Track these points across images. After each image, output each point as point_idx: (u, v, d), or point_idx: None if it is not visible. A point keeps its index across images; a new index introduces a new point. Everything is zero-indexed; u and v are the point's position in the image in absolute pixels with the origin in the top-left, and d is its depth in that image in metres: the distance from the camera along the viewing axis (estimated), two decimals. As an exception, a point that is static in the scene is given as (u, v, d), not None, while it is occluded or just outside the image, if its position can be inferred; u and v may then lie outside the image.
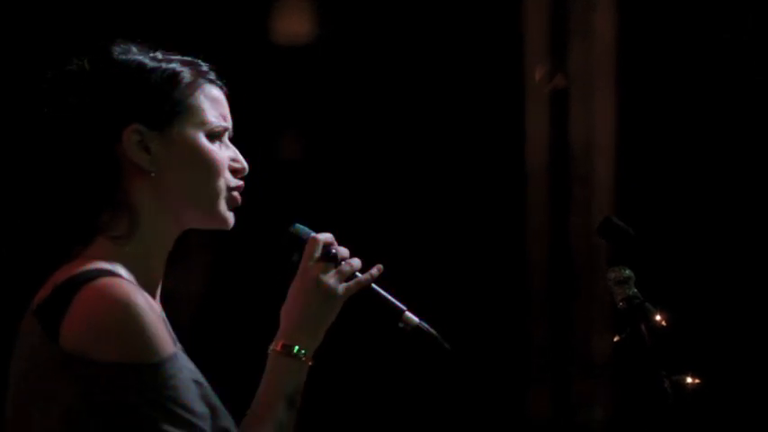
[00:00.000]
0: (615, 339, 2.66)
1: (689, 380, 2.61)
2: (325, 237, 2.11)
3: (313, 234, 2.11)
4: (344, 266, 2.09)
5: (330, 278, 2.08)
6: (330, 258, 2.08)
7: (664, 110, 4.06)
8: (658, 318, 2.61)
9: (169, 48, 2.13)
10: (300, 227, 2.14)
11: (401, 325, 2.12)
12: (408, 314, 2.12)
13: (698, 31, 4.03)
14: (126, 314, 1.85)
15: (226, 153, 2.07)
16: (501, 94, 4.09)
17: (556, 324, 4.15)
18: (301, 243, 2.10)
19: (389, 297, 2.13)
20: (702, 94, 4.03)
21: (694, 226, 4.02)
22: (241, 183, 2.09)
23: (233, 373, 2.89)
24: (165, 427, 1.84)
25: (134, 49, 2.03)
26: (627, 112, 4.07)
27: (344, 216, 4.06)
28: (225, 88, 2.11)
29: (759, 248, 4.00)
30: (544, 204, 4.12)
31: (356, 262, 2.11)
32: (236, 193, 2.08)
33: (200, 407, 1.89)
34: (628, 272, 2.64)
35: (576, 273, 4.11)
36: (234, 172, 2.08)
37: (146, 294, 1.93)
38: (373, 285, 2.12)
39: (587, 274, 4.08)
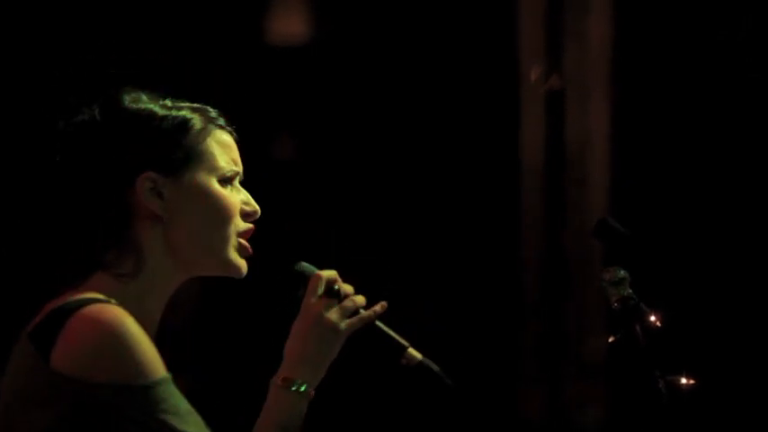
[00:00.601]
0: (610, 340, 2.66)
1: (683, 380, 2.61)
2: (329, 274, 2.12)
3: (317, 271, 2.12)
4: (347, 303, 2.10)
5: (333, 314, 2.09)
6: (333, 295, 2.09)
7: (659, 111, 4.06)
8: (653, 318, 2.62)
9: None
10: (305, 264, 2.14)
11: (404, 362, 2.13)
12: (411, 351, 2.13)
13: (693, 32, 4.04)
14: (118, 336, 1.87)
15: (237, 197, 2.08)
16: (496, 94, 4.10)
17: (550, 324, 4.16)
18: (305, 280, 2.12)
19: (392, 333, 2.14)
20: (697, 95, 4.03)
21: (689, 227, 4.02)
22: (251, 226, 2.09)
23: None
24: None
25: (144, 98, 2.05)
26: (622, 114, 4.08)
27: (341, 219, 4.07)
28: (234, 134, 2.13)
29: (753, 249, 4.01)
30: (539, 205, 4.12)
31: (359, 299, 2.13)
32: (245, 242, 2.08)
33: (191, 430, 1.90)
34: (622, 273, 2.65)
35: (570, 273, 4.12)
36: (245, 216, 2.09)
37: (137, 321, 1.94)
38: (377, 322, 2.13)
39: (582, 275, 4.08)
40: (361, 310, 2.11)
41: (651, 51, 4.06)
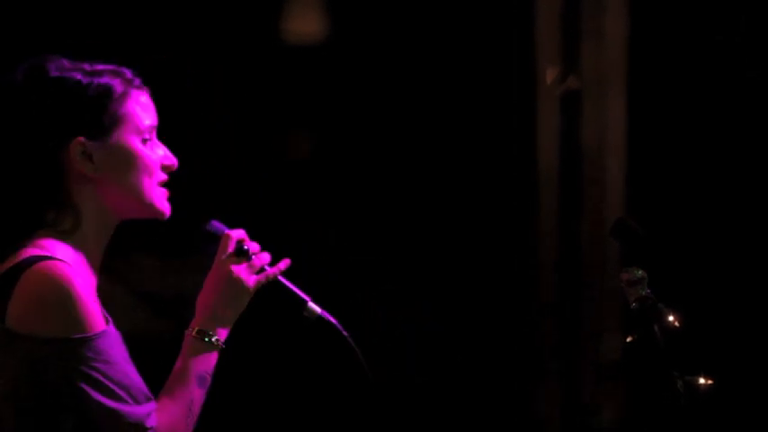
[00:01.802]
0: (627, 340, 2.66)
1: (701, 380, 2.61)
2: (238, 233, 2.28)
3: (227, 231, 2.28)
4: (255, 261, 2.27)
5: (241, 271, 2.26)
6: (242, 253, 2.26)
7: (675, 111, 4.06)
8: (671, 318, 2.62)
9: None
10: (216, 223, 2.31)
11: (305, 314, 2.28)
12: (311, 304, 2.28)
13: (710, 32, 4.03)
14: (61, 293, 2.06)
15: (158, 153, 2.25)
16: (513, 95, 4.10)
17: (567, 324, 4.16)
18: (216, 239, 2.28)
19: (295, 289, 2.30)
20: (715, 95, 4.03)
21: (707, 226, 4.02)
22: (166, 177, 2.26)
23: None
24: (95, 397, 2.06)
25: (65, 65, 2.20)
26: (638, 114, 4.08)
27: (356, 217, 4.08)
28: (149, 91, 2.27)
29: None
30: (556, 205, 4.12)
31: (265, 256, 2.29)
32: (164, 188, 2.26)
33: (129, 380, 2.10)
34: (640, 273, 2.65)
35: (587, 273, 4.12)
36: (165, 168, 2.26)
37: (82, 275, 2.13)
38: (280, 278, 2.29)
39: (599, 275, 4.08)
40: (267, 267, 2.28)
41: (668, 51, 4.05)
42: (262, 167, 3.98)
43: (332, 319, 2.28)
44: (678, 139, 4.06)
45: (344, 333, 2.27)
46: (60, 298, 2.05)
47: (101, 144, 2.17)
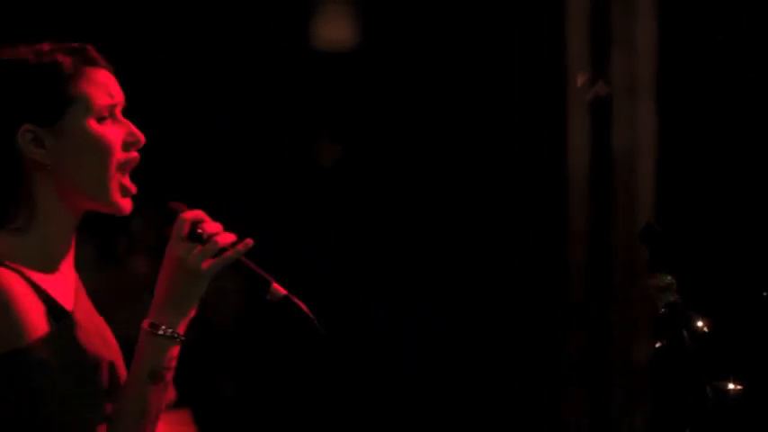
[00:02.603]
0: (656, 345, 2.67)
1: (730, 386, 2.62)
2: (194, 215, 2.08)
3: (183, 213, 2.09)
4: (209, 245, 2.05)
5: (193, 257, 2.05)
6: (195, 237, 2.06)
7: (705, 116, 4.06)
8: (700, 324, 2.63)
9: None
10: (174, 204, 2.12)
11: (268, 297, 2.10)
12: (275, 286, 2.10)
13: (742, 37, 4.03)
14: None
15: (118, 132, 2.09)
16: (543, 101, 4.11)
17: (596, 328, 4.16)
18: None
19: (257, 270, 2.11)
20: (746, 100, 4.02)
21: (736, 231, 4.01)
22: (134, 155, 2.11)
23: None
24: (40, 408, 1.95)
25: (20, 50, 2.07)
26: (668, 119, 4.08)
27: (387, 221, 4.10)
28: (110, 67, 2.13)
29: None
30: (585, 210, 4.13)
31: (224, 238, 2.07)
32: (128, 182, 2.11)
33: (76, 387, 1.99)
34: (669, 278, 2.65)
35: (616, 278, 4.12)
36: (129, 145, 2.10)
37: (36, 276, 2.02)
38: (243, 259, 2.08)
39: (628, 280, 4.08)
40: (230, 249, 2.08)
41: (698, 57, 4.05)
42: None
43: (297, 302, 2.07)
44: (708, 145, 4.06)
45: (311, 316, 2.06)
46: None
47: (51, 129, 2.03)
